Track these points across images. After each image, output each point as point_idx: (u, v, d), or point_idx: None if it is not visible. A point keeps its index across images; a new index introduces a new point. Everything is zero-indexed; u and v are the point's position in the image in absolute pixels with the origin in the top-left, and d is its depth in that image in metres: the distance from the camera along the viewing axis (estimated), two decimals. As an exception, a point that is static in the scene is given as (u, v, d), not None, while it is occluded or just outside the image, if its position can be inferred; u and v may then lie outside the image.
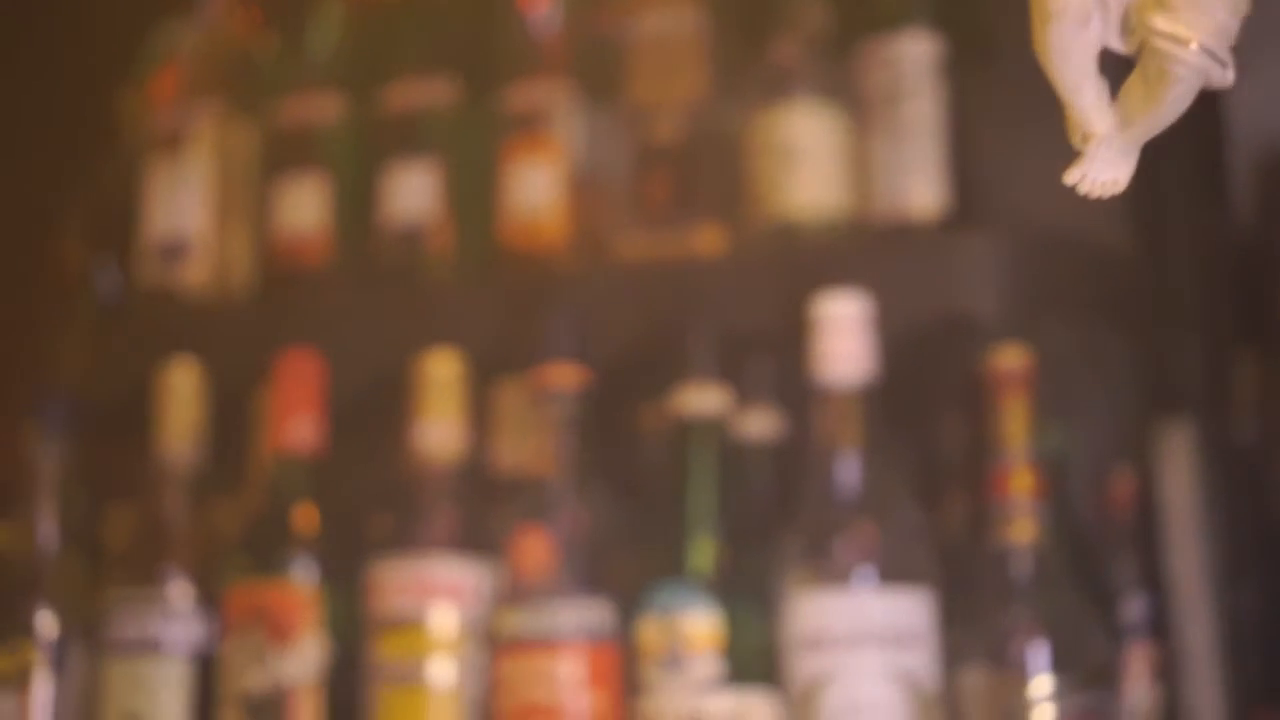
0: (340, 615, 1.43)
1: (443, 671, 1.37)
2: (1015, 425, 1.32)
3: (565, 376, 1.39)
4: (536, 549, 1.35)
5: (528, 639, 1.34)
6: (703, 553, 1.33)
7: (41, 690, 1.48)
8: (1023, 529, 1.31)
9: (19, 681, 1.48)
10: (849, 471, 1.30)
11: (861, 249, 1.51)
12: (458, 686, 1.37)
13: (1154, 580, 1.61)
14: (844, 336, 1.31)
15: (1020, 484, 1.31)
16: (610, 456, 1.56)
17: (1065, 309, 1.52)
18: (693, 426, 1.37)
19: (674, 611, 1.30)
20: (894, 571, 1.27)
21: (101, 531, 1.65)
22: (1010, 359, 1.33)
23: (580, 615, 1.34)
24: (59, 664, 1.49)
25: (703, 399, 1.37)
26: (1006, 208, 1.59)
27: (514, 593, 1.35)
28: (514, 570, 1.36)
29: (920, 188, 1.49)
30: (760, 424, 1.49)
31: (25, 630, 1.49)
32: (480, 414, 1.54)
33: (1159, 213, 1.70)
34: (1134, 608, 1.66)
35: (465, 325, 1.56)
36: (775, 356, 1.50)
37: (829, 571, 1.27)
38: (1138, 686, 1.61)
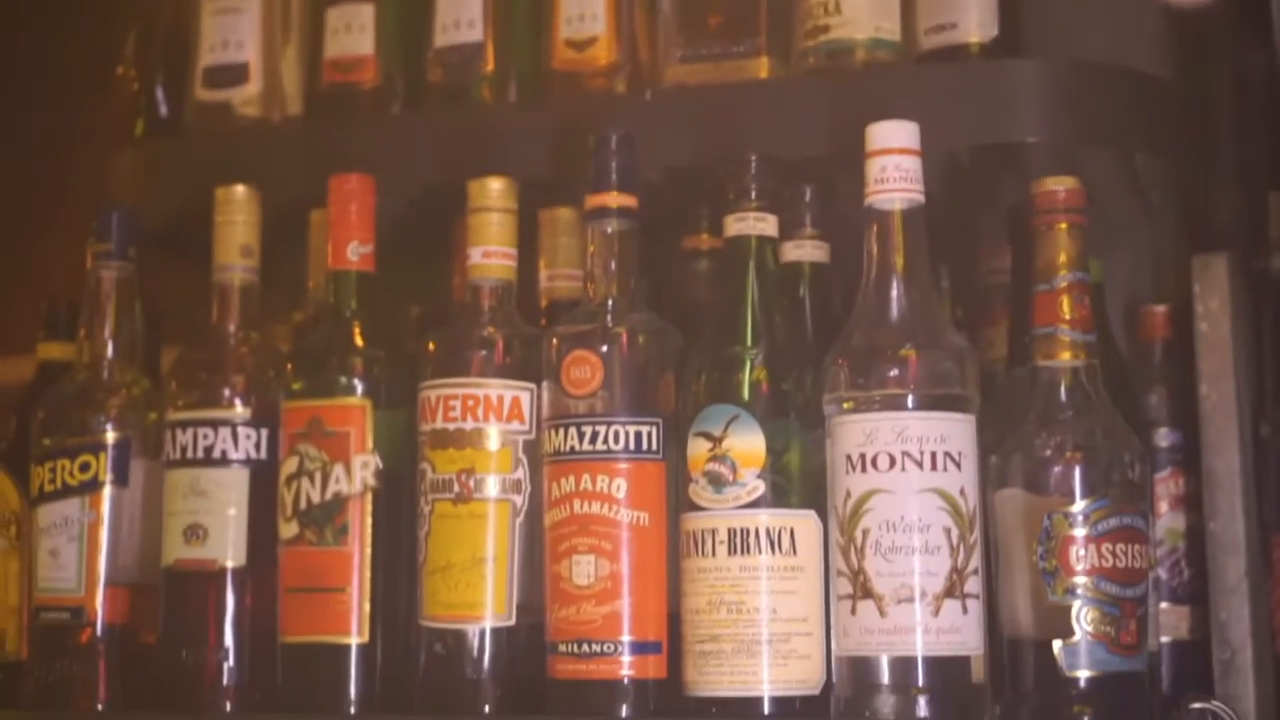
0: (393, 432, 1.47)
1: (493, 488, 1.41)
2: (1061, 252, 1.33)
3: (615, 201, 1.41)
4: (586, 370, 1.38)
5: (577, 458, 1.37)
6: (750, 374, 1.36)
7: (106, 501, 1.53)
8: (1064, 354, 1.34)
9: (84, 492, 1.53)
10: (895, 295, 1.32)
11: (911, 76, 1.52)
12: (508, 503, 1.41)
13: (1185, 412, 1.64)
14: (894, 161, 1.32)
15: (1064, 310, 1.33)
16: (659, 280, 1.59)
17: (1109, 139, 1.53)
18: (741, 250, 1.39)
19: (722, 432, 1.34)
20: (937, 394, 1.29)
21: (161, 348, 1.69)
22: (1059, 186, 1.35)
23: (629, 435, 1.37)
24: (122, 476, 1.54)
25: (752, 223, 1.39)
26: (1055, 37, 1.60)
27: (564, 413, 1.39)
28: (564, 391, 1.39)
29: (971, 16, 1.50)
30: (808, 248, 1.52)
31: (90, 443, 1.53)
32: (530, 238, 1.57)
33: (1204, 47, 1.71)
34: (1165, 438, 1.69)
35: (516, 149, 1.58)
36: (824, 182, 1.51)
37: (875, 393, 1.30)
38: (1168, 513, 1.65)
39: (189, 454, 1.49)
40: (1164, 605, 1.59)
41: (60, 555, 1.52)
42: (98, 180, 1.80)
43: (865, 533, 1.29)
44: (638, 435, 1.37)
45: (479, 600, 1.40)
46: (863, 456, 1.29)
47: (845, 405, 1.31)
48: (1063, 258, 1.34)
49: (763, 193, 1.40)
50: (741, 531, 1.33)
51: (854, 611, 1.29)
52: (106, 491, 1.53)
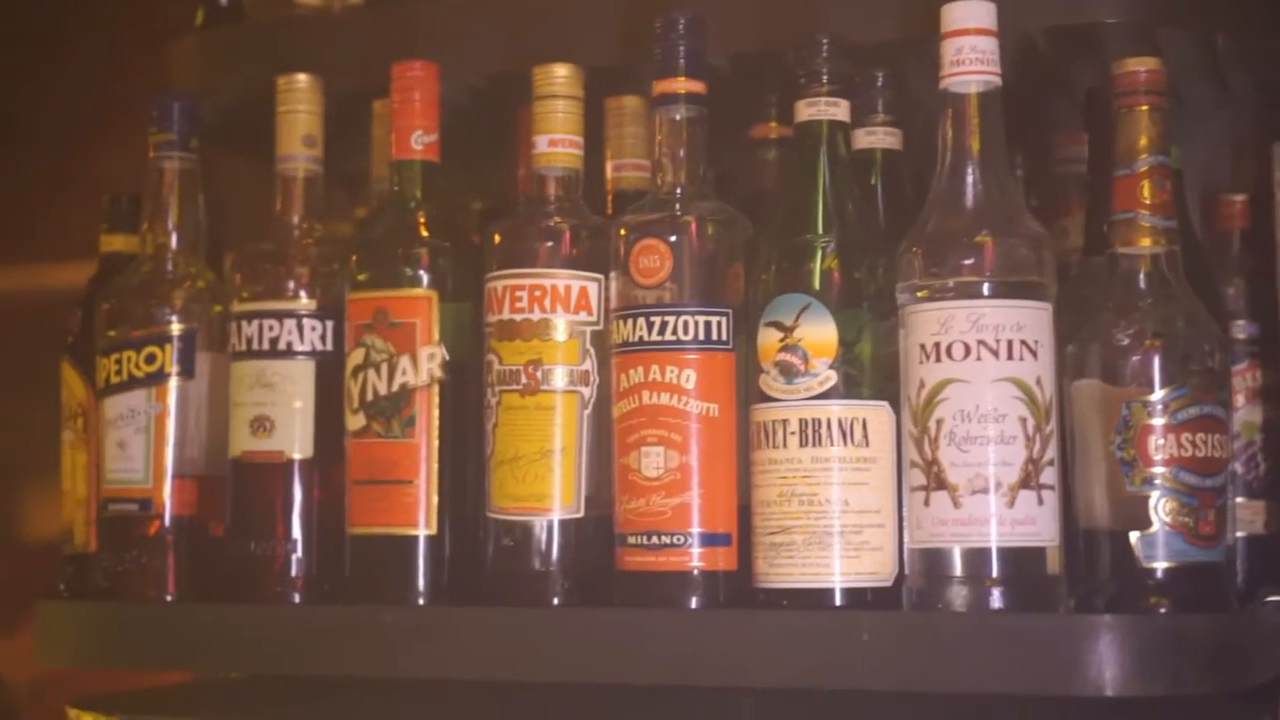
0: (459, 324, 1.45)
1: (561, 380, 1.39)
2: (1143, 135, 1.30)
3: (683, 86, 1.38)
4: (655, 259, 1.36)
5: (646, 348, 1.36)
6: (822, 263, 1.33)
7: (172, 393, 1.53)
8: (1144, 240, 1.30)
9: (150, 383, 1.53)
10: (970, 181, 1.29)
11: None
12: (575, 394, 1.39)
13: (1262, 304, 1.61)
14: (970, 42, 1.29)
15: (1144, 195, 1.30)
16: (725, 170, 1.57)
17: (1188, 20, 1.49)
18: (813, 136, 1.36)
19: (793, 321, 1.32)
20: (1013, 282, 1.27)
21: (225, 240, 1.68)
22: (1140, 66, 1.31)
23: (698, 325, 1.35)
24: (188, 368, 1.53)
25: (823, 108, 1.36)
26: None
27: (632, 303, 1.37)
28: (633, 281, 1.37)
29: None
30: (880, 134, 1.49)
31: (156, 335, 1.53)
32: (596, 128, 1.54)
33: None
34: (1243, 330, 1.67)
35: (582, 35, 1.56)
36: (897, 65, 1.48)
37: (949, 281, 1.27)
38: (1245, 406, 1.62)
39: (255, 346, 1.48)
40: (1239, 500, 1.56)
41: (128, 447, 1.52)
42: (156, 76, 1.79)
43: (939, 423, 1.27)
44: (707, 325, 1.36)
45: (547, 492, 1.39)
46: (937, 345, 1.27)
47: (919, 294, 1.29)
48: (1144, 140, 1.30)
49: (835, 77, 1.37)
50: (813, 422, 1.31)
51: (927, 503, 1.27)
52: (172, 383, 1.53)
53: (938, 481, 1.27)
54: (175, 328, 1.54)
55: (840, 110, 1.37)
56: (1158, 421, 1.27)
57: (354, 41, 1.67)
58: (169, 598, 1.52)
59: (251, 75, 1.63)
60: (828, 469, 1.31)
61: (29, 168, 4.08)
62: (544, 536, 1.39)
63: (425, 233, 1.47)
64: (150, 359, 1.52)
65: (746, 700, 1.42)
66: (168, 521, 1.52)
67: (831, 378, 1.31)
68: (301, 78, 1.53)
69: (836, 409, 1.31)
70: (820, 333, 1.31)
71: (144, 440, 1.52)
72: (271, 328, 1.48)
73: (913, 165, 1.48)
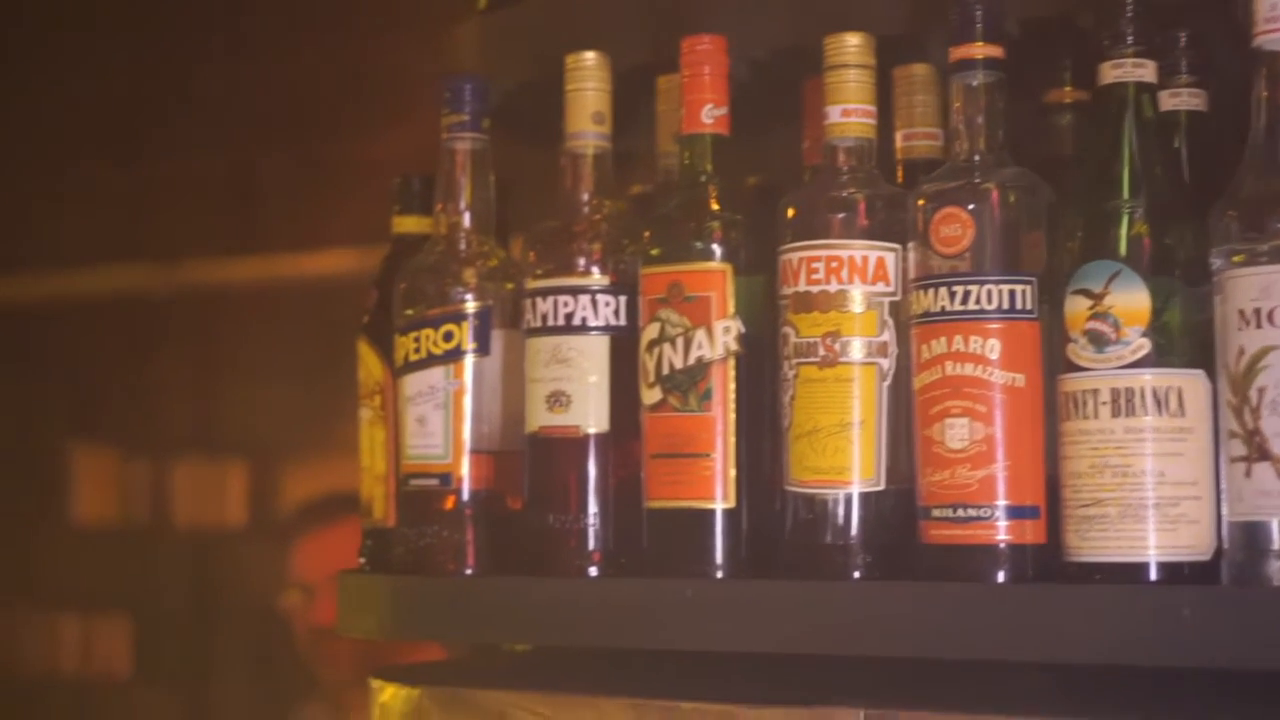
0: (751, 296, 1.45)
1: (859, 351, 1.38)
2: None
3: (980, 51, 1.36)
4: (956, 228, 1.34)
5: (948, 318, 1.34)
6: (1130, 228, 1.30)
7: (469, 369, 1.56)
8: None
9: (448, 360, 1.55)
10: (1290, 142, 1.24)
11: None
12: (874, 366, 1.38)
13: None
14: (1293, -2, 1.24)
15: None
16: (1027, 133, 1.53)
17: None
18: (1118, 99, 1.33)
19: (1103, 288, 1.28)
20: (1340, 245, 1.22)
21: (508, 223, 1.70)
22: None
23: (1002, 294, 1.33)
24: (484, 345, 1.56)
25: (1129, 69, 1.32)
26: None
27: (933, 273, 1.35)
28: (933, 250, 1.35)
29: None
30: (1185, 96, 1.44)
31: (452, 313, 1.56)
32: (890, 95, 1.52)
33: None
34: None
35: (869, 5, 1.54)
36: (1203, 24, 1.44)
37: (1269, 245, 1.23)
38: None
39: (550, 322, 1.50)
40: None
41: (427, 423, 1.55)
42: (437, 61, 1.82)
43: (1261, 391, 1.22)
44: (1011, 294, 1.33)
45: (846, 465, 1.38)
46: (1257, 311, 1.23)
47: (1236, 259, 1.25)
48: None
49: (1140, 37, 1.33)
50: (1125, 392, 1.28)
51: (1248, 474, 1.23)
52: (469, 360, 1.55)
53: (1260, 452, 1.22)
54: (471, 305, 1.56)
55: (1147, 71, 1.33)
56: None
57: (636, 18, 1.67)
58: (469, 571, 1.54)
59: (535, 56, 1.65)
60: (1141, 439, 1.27)
61: (303, 156, 4.19)
62: (844, 509, 1.38)
63: (717, 206, 1.47)
64: (448, 336, 1.55)
65: (1044, 676, 1.39)
66: (466, 496, 1.55)
67: (1144, 345, 1.28)
68: (590, 55, 1.54)
69: (1150, 378, 1.27)
70: (1132, 299, 1.28)
71: (443, 416, 1.54)
72: (566, 304, 1.50)
73: (1224, 124, 1.43)
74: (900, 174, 1.55)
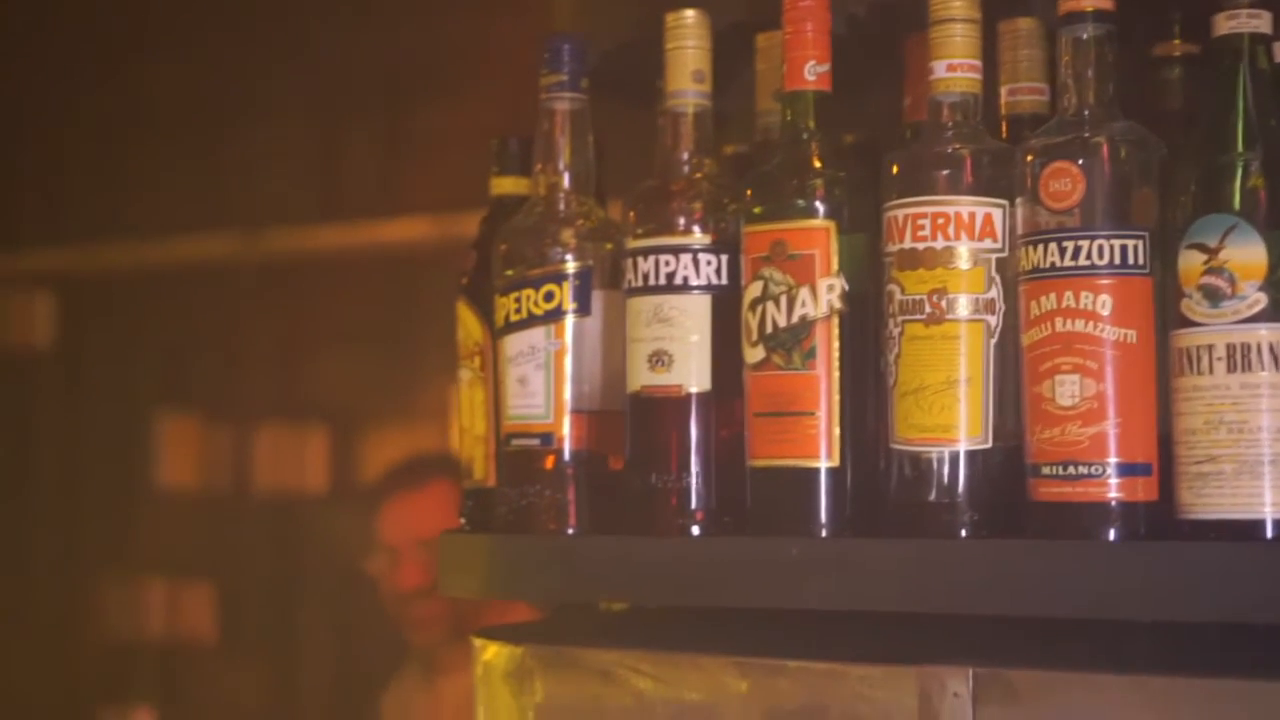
0: (854, 254, 1.44)
1: (966, 308, 1.37)
2: None
3: (1090, 3, 1.34)
4: (1067, 183, 1.33)
5: (1058, 274, 1.32)
6: (1245, 182, 1.28)
7: (569, 329, 1.55)
8: None
9: (549, 320, 1.55)
10: None
11: None
12: (981, 323, 1.37)
13: None
14: None
15: None
16: (1127, 88, 1.51)
17: None
18: (1232, 50, 1.31)
19: (1218, 243, 1.27)
20: None
21: (603, 184, 1.69)
22: None
23: (1113, 249, 1.31)
24: (584, 305, 1.55)
25: (1244, 20, 1.30)
26: None
27: (1042, 228, 1.34)
28: (1042, 206, 1.34)
29: None
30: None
31: (553, 273, 1.55)
32: (995, 50, 1.51)
33: None
34: None
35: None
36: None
37: (1391, 197, 1.21)
38: None
39: (651, 281, 1.49)
40: None
41: (529, 383, 1.55)
42: (532, 23, 1.81)
43: (1382, 346, 1.21)
44: (1123, 249, 1.32)
45: (953, 423, 1.37)
46: (1379, 265, 1.21)
47: (1355, 211, 1.23)
48: None
49: (1254, -14, 1.31)
50: (1242, 347, 1.26)
51: (1367, 430, 1.21)
52: (569, 320, 1.55)
53: (1379, 408, 1.21)
54: (571, 266, 1.56)
55: (1262, 22, 1.31)
56: None
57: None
58: (570, 530, 1.54)
59: (632, 16, 1.64)
60: (1257, 395, 1.25)
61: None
62: (950, 467, 1.37)
63: (819, 163, 1.46)
64: (549, 296, 1.55)
65: (1154, 634, 1.38)
66: (568, 455, 1.55)
67: (1260, 300, 1.26)
68: (690, 13, 1.53)
69: (1266, 333, 1.26)
70: (1247, 254, 1.26)
71: (544, 376, 1.55)
72: (668, 263, 1.49)
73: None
74: (1005, 130, 1.53)
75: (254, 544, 4.37)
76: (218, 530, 4.41)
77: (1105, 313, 1.31)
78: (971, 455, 1.37)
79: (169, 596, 4.45)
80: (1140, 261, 1.32)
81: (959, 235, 1.38)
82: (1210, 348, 1.27)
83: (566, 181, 1.59)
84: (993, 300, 1.38)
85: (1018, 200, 1.37)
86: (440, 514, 2.82)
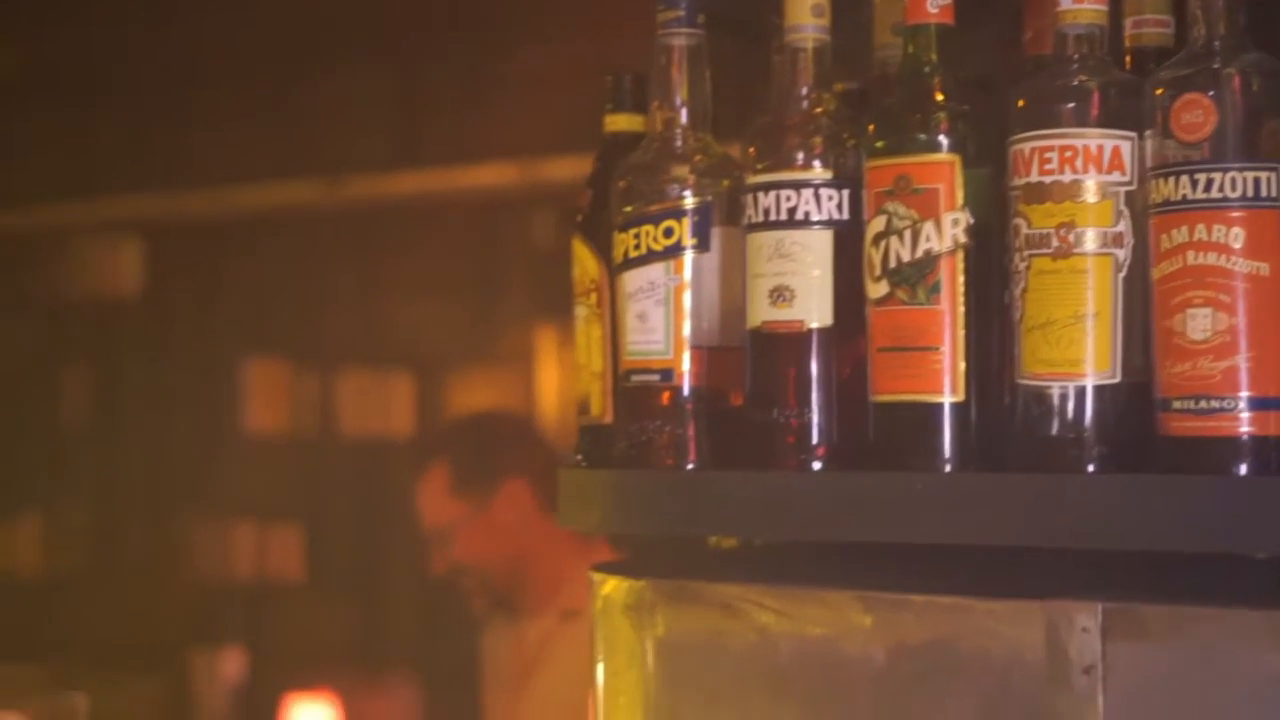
0: (977, 189, 1.43)
1: (1093, 242, 1.36)
2: None
3: (1221, -66, 1.33)
4: (1198, 114, 1.32)
5: (1190, 207, 1.31)
6: (1383, 112, 1.27)
7: (688, 265, 1.56)
8: None
9: (668, 256, 1.56)
10: None
11: None
12: (1109, 257, 1.36)
13: None
14: None
15: None
16: (1263, 21, 1.50)
17: None
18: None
19: (1356, 173, 1.26)
20: None
21: (726, 116, 1.69)
22: None
23: (1246, 181, 1.30)
24: (704, 241, 1.56)
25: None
26: None
27: (1173, 161, 1.33)
28: (1172, 138, 1.33)
29: None
30: None
31: (672, 209, 1.56)
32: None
33: None
34: None
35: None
36: None
37: None
38: None
39: (772, 216, 1.49)
40: None
41: (648, 319, 1.55)
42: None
43: None
44: (1255, 181, 1.31)
45: (1081, 357, 1.36)
46: None
47: None
48: None
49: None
50: (1379, 279, 1.25)
51: None
52: (688, 256, 1.55)
53: None
54: (690, 201, 1.56)
55: (1400, -52, 1.30)
56: None
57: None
58: (690, 465, 1.55)
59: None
60: (1396, 328, 1.25)
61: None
62: (1077, 401, 1.37)
63: (942, 97, 1.45)
64: (668, 232, 1.55)
65: None
66: (687, 391, 1.55)
67: (1400, 232, 1.25)
68: (808, -50, 1.52)
69: (1405, 265, 1.25)
70: (1387, 185, 1.25)
71: (663, 312, 1.55)
72: (789, 198, 1.49)
73: None
74: (1129, 63, 1.52)
75: (340, 487, 4.41)
76: (304, 473, 4.46)
77: (1237, 246, 1.30)
78: (1099, 390, 1.37)
79: (257, 539, 4.50)
80: (1272, 194, 1.31)
81: (1087, 168, 1.37)
82: (1347, 280, 1.26)
83: (684, 117, 1.59)
84: (1120, 234, 1.37)
85: (1146, 133, 1.36)
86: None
